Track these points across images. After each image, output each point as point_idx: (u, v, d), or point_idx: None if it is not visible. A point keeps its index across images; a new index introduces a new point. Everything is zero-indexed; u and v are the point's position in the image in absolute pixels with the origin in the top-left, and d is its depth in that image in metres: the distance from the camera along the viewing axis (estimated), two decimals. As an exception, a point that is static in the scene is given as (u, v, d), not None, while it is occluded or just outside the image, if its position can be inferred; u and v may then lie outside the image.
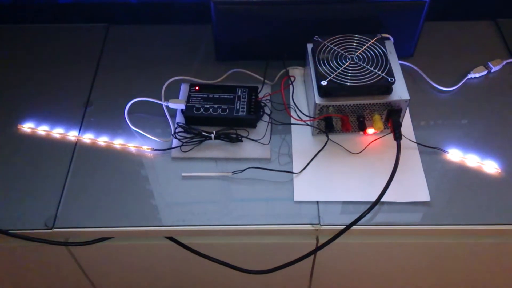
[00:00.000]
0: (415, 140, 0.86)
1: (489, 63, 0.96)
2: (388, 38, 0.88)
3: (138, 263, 0.90)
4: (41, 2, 1.08)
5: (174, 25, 1.07)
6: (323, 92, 0.80)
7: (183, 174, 0.82)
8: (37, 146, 0.86)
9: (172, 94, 0.92)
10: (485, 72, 0.96)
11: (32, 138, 0.88)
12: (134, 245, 0.84)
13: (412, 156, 0.84)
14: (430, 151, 0.85)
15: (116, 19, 1.08)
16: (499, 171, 0.83)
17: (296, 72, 0.95)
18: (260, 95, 0.90)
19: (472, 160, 0.84)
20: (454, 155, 0.85)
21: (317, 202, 0.79)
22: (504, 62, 0.97)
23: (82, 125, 0.89)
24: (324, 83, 0.79)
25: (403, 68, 0.85)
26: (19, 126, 0.89)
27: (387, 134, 0.86)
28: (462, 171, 0.83)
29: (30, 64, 0.99)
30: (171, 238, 0.82)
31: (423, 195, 0.80)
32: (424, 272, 0.93)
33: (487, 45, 1.02)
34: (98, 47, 1.02)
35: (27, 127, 0.89)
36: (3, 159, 0.85)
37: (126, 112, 0.89)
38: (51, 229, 0.76)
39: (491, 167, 0.83)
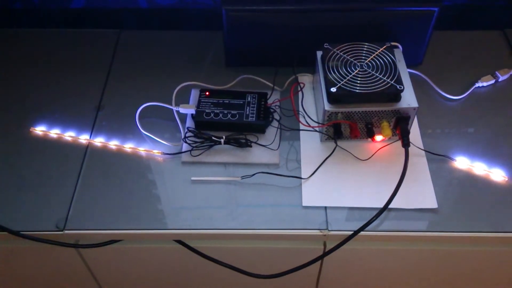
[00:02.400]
0: (422, 148, 0.87)
1: (496, 72, 0.97)
2: (396, 47, 0.89)
3: (147, 266, 0.91)
4: (53, 7, 1.09)
5: (183, 31, 1.08)
6: (332, 99, 0.81)
7: (192, 178, 0.83)
8: (49, 149, 0.87)
9: (182, 99, 0.93)
10: (492, 81, 0.96)
11: (44, 141, 0.89)
12: (143, 247, 0.85)
13: (419, 163, 0.85)
14: (437, 159, 0.86)
15: (126, 24, 1.10)
16: (506, 179, 0.83)
17: (305, 79, 0.96)
18: (269, 101, 0.91)
19: (479, 168, 0.85)
20: (462, 163, 0.85)
21: (325, 207, 0.80)
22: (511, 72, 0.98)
23: (94, 129, 0.90)
24: (333, 89, 0.80)
25: (411, 76, 0.86)
26: (31, 129, 0.90)
27: (395, 141, 0.86)
28: (469, 179, 0.84)
29: (42, 68, 1.01)
30: (180, 242, 0.83)
31: (431, 202, 0.80)
32: (430, 278, 0.94)
33: (495, 54, 1.02)
34: (110, 52, 1.03)
35: (39, 130, 0.90)
36: (16, 161, 0.86)
37: (137, 116, 0.90)
38: (62, 231, 0.77)
39: (498, 175, 0.84)
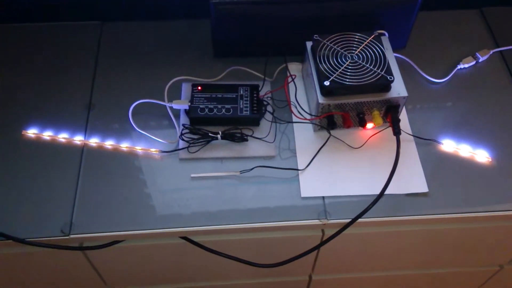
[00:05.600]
0: (411, 133, 0.90)
1: (477, 53, 1.00)
2: (383, 34, 0.91)
3: (152, 262, 0.93)
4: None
5: (166, 21, 1.06)
6: (326, 92, 0.83)
7: (192, 175, 0.85)
8: (44, 152, 0.87)
9: (173, 93, 0.93)
10: (473, 62, 1.00)
11: (38, 144, 0.88)
12: (148, 245, 0.87)
13: (409, 149, 0.88)
14: (425, 143, 0.89)
15: (107, 15, 1.07)
16: (490, 159, 0.88)
17: (293, 67, 0.97)
18: (261, 93, 0.92)
19: (465, 150, 0.89)
20: (448, 146, 0.89)
21: (323, 197, 0.83)
22: (491, 52, 1.01)
23: (87, 129, 0.90)
24: (327, 83, 0.82)
25: (396, 60, 0.88)
26: (23, 132, 0.89)
27: (386, 128, 0.89)
28: (456, 161, 0.88)
29: (24, 67, 0.98)
30: (184, 237, 0.85)
31: (421, 187, 0.84)
32: (422, 256, 0.99)
33: (473, 34, 1.06)
34: (94, 46, 1.02)
35: (31, 133, 0.89)
36: (11, 166, 0.85)
37: (130, 114, 0.90)
38: (68, 235, 0.78)
39: (482, 156, 0.88)
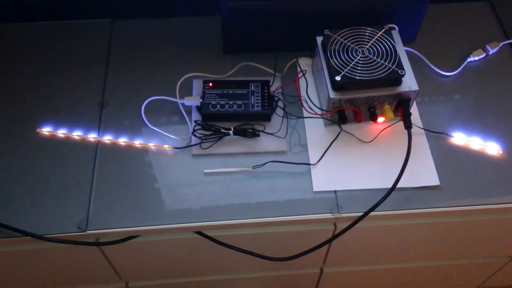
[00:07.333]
0: (422, 126, 0.90)
1: (487, 46, 1.00)
2: (393, 28, 0.91)
3: (166, 256, 0.95)
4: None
5: (175, 18, 1.06)
6: (337, 86, 0.84)
7: (205, 171, 0.86)
8: (59, 149, 0.88)
9: (183, 89, 0.94)
10: (483, 55, 1.00)
11: (53, 142, 0.89)
12: (162, 240, 0.88)
13: (420, 142, 0.89)
14: (436, 136, 0.90)
15: (116, 12, 1.08)
16: (501, 152, 0.88)
17: (303, 62, 0.98)
18: (272, 88, 0.93)
19: (475, 143, 0.89)
20: (459, 138, 0.90)
21: (335, 191, 0.84)
22: (501, 44, 1.01)
23: (101, 126, 0.91)
24: (338, 78, 0.82)
25: (406, 54, 0.88)
26: (38, 130, 0.90)
27: (397, 122, 0.90)
28: (467, 154, 0.88)
29: (37, 65, 0.99)
30: (198, 232, 0.86)
31: (433, 180, 0.85)
32: (432, 247, 1.00)
33: (483, 26, 1.05)
34: (105, 43, 1.02)
35: (45, 130, 0.90)
36: (27, 164, 0.86)
37: (142, 111, 0.91)
38: (85, 231, 0.80)
39: (493, 149, 0.89)
